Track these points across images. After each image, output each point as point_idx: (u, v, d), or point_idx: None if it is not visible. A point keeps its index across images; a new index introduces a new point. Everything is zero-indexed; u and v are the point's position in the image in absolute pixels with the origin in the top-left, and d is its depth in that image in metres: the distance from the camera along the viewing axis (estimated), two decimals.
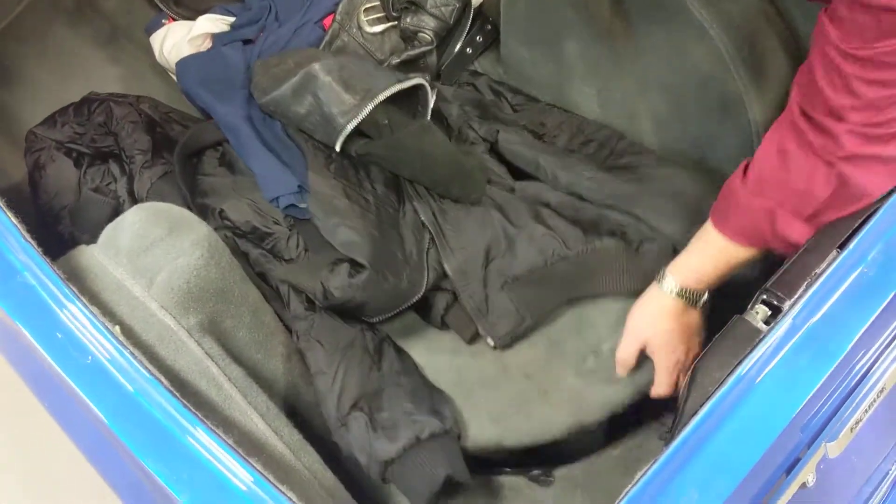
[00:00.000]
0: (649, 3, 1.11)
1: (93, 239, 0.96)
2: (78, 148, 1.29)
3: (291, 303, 1.07)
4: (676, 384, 1.00)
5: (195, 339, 0.86)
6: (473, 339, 1.11)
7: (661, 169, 1.17)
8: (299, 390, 1.04)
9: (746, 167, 0.90)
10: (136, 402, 0.73)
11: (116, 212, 1.21)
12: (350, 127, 1.13)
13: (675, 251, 1.03)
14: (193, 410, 0.72)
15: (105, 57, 1.69)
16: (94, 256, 0.91)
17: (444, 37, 1.36)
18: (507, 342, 1.08)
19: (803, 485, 0.73)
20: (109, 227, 0.96)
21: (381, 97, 1.14)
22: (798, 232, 0.85)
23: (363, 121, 1.13)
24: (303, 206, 1.13)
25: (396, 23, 1.36)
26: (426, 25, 1.33)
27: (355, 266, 1.06)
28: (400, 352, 1.10)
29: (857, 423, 0.76)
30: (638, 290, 1.03)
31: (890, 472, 0.88)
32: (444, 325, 1.13)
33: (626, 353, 1.01)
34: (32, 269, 0.81)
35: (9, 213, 0.85)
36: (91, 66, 1.67)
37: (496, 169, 1.21)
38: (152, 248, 0.90)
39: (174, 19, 1.56)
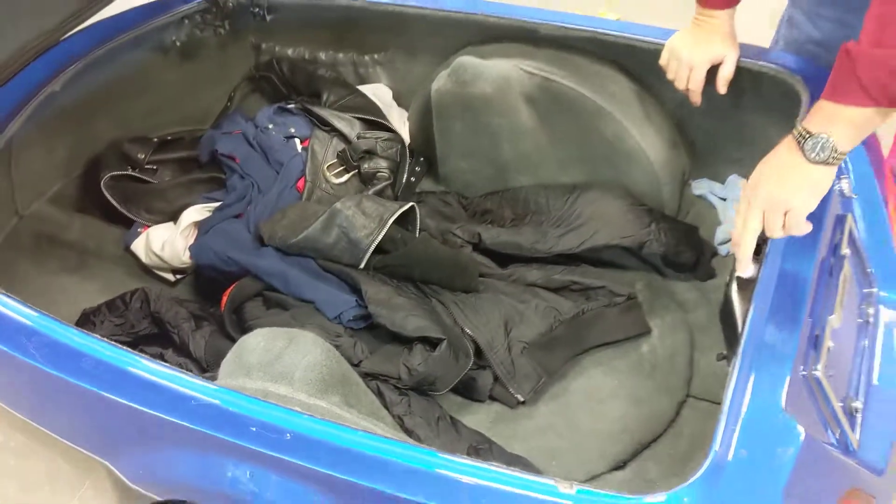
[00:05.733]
0: (551, 98, 1.51)
1: None
2: (120, 338, 1.44)
3: (385, 393, 1.29)
4: None
5: (345, 411, 1.07)
6: (516, 405, 1.36)
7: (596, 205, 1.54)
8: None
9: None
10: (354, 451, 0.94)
11: None
12: (374, 246, 1.42)
13: (639, 305, 1.42)
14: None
15: (78, 279, 1.77)
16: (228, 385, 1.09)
17: (395, 171, 1.70)
18: (531, 397, 1.35)
19: None
20: (227, 360, 1.14)
21: (392, 220, 1.45)
22: None
23: (382, 238, 1.43)
24: (363, 314, 1.37)
25: (356, 171, 1.68)
26: (381, 166, 1.67)
27: (427, 344, 1.30)
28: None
29: None
30: (623, 336, 1.41)
31: None
32: (490, 398, 1.37)
33: (770, 227, 1.02)
34: None
35: None
36: (68, 289, 1.75)
37: (485, 262, 1.54)
38: (282, 357, 1.10)
39: (149, 226, 1.73)
